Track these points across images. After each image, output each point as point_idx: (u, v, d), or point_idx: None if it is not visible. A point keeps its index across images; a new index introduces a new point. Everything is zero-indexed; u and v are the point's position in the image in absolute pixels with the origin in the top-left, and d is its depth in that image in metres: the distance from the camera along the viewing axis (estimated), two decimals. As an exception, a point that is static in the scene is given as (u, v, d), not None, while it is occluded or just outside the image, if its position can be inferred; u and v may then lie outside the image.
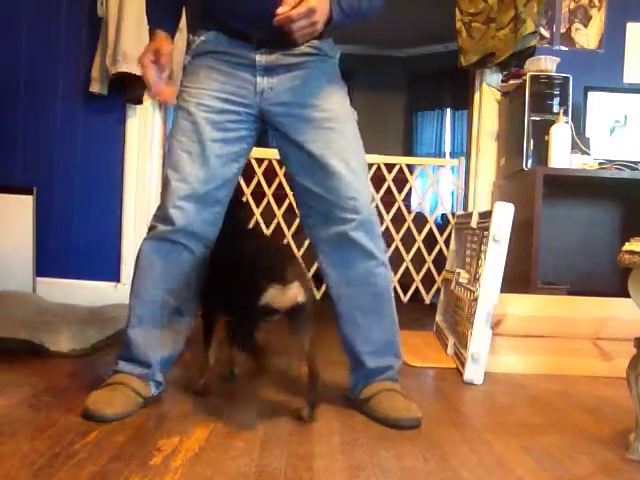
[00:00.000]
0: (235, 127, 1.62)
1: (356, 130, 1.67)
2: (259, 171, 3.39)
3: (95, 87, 3.05)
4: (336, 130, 1.61)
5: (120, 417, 1.48)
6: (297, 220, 3.05)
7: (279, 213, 3.39)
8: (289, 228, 3.38)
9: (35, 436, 1.34)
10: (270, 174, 3.35)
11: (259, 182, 3.39)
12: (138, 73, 2.89)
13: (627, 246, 1.39)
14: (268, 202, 3.42)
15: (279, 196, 3.34)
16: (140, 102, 3.10)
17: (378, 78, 6.83)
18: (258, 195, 3.37)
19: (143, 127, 3.16)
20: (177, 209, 1.58)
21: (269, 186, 3.39)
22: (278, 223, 3.40)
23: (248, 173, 3.37)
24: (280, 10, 1.35)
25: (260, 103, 1.61)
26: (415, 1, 5.12)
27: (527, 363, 2.23)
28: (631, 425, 1.45)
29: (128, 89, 3.02)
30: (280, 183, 3.33)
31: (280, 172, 3.31)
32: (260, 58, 1.59)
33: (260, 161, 3.36)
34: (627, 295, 1.44)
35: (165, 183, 1.62)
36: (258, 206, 3.43)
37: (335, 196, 1.59)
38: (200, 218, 1.61)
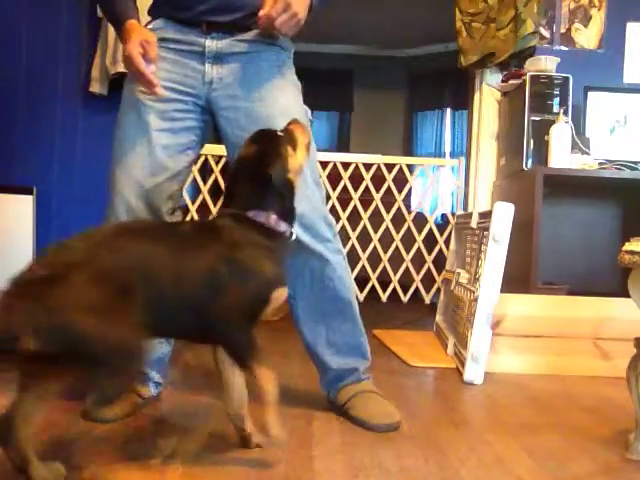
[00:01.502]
0: (182, 117, 1.54)
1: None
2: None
3: (95, 87, 3.06)
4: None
5: (120, 418, 1.48)
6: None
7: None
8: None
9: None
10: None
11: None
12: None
13: (627, 246, 1.39)
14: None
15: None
16: (140, 102, 3.10)
17: (378, 78, 6.82)
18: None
19: (143, 127, 3.15)
20: (124, 205, 1.49)
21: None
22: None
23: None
24: (261, 13, 1.38)
25: (208, 94, 1.55)
26: (415, 1, 5.12)
27: (527, 363, 2.23)
28: (631, 425, 1.45)
29: (128, 89, 3.02)
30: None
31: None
32: (210, 44, 1.53)
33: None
34: (627, 295, 1.44)
35: (110, 179, 1.53)
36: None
37: None
38: (153, 216, 1.52)
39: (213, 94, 1.55)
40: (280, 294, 1.25)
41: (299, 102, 1.60)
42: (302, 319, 1.62)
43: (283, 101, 1.55)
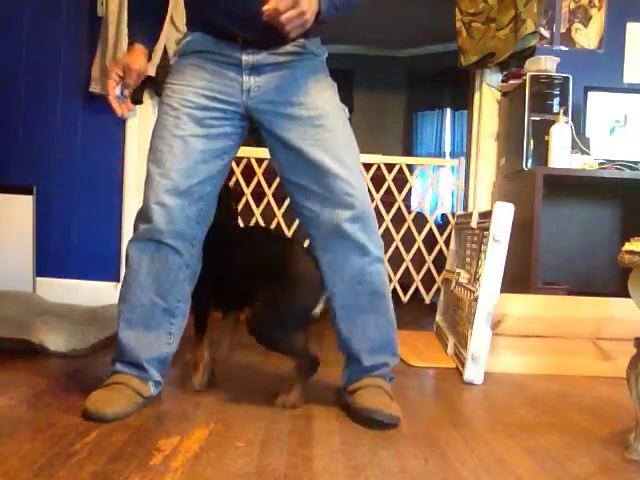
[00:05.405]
0: (219, 124, 1.61)
1: (347, 126, 1.66)
2: (259, 171, 3.39)
3: (95, 87, 3.05)
4: (326, 127, 1.59)
5: (120, 417, 1.48)
6: (297, 220, 3.05)
7: (279, 213, 3.39)
8: (289, 228, 3.38)
9: (35, 436, 1.34)
10: (271, 174, 3.34)
11: (259, 182, 3.40)
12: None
13: (627, 246, 1.39)
14: (268, 202, 3.43)
15: (280, 196, 3.34)
16: (140, 102, 3.10)
17: (378, 78, 6.82)
18: (258, 195, 3.37)
19: (143, 127, 3.15)
20: (158, 205, 1.56)
21: (269, 186, 3.39)
22: (278, 223, 3.41)
23: (248, 173, 3.37)
24: (267, 6, 1.35)
25: (247, 102, 1.61)
26: (415, 1, 5.12)
27: (527, 363, 2.23)
28: (631, 425, 1.45)
29: (128, 89, 3.02)
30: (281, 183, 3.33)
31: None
32: (247, 58, 1.59)
33: (260, 161, 3.36)
34: (627, 295, 1.44)
35: (147, 179, 1.60)
36: (258, 206, 3.43)
37: (329, 193, 1.58)
38: (184, 215, 1.59)
39: (251, 101, 1.61)
40: None
41: (337, 103, 1.66)
42: (339, 314, 1.65)
43: (321, 104, 1.62)
